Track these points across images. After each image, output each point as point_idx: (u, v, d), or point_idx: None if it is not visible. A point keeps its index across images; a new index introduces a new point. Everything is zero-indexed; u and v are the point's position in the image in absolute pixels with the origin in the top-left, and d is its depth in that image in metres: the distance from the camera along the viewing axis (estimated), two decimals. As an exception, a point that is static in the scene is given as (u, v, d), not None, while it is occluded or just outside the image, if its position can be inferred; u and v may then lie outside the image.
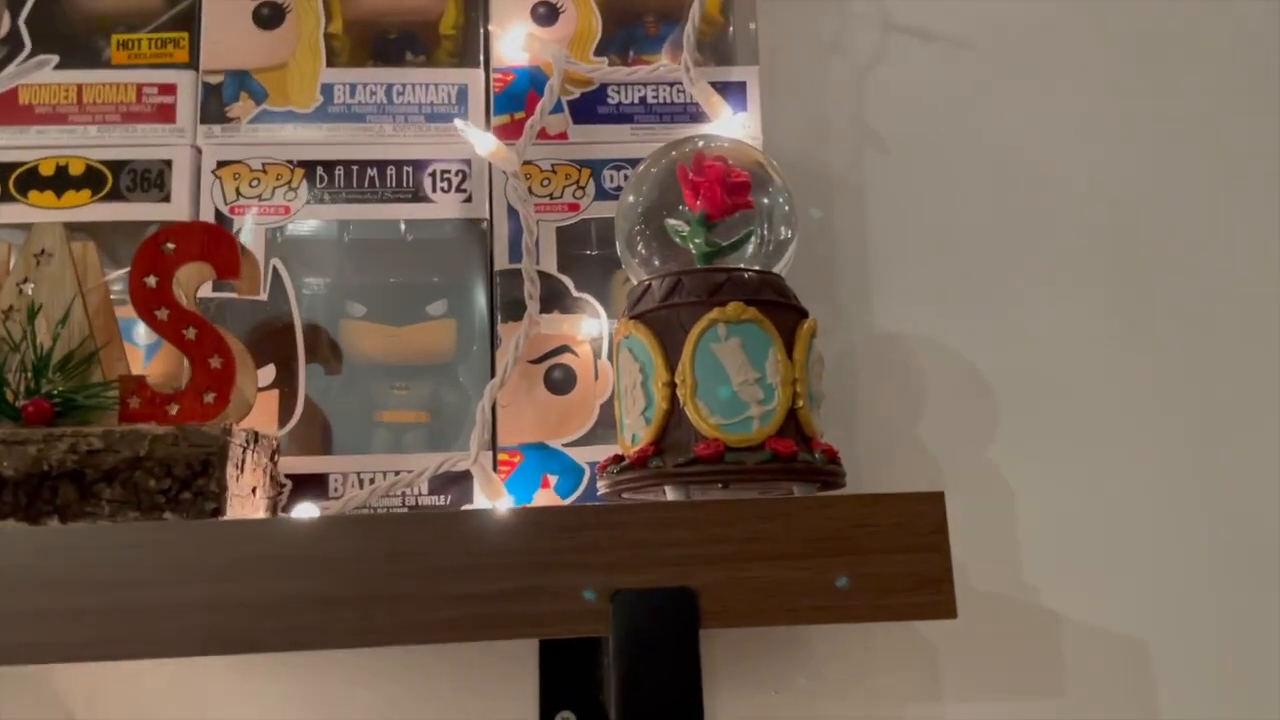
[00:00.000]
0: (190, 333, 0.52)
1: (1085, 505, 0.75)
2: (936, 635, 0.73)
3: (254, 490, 0.53)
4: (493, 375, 0.65)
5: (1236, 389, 0.77)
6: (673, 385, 0.52)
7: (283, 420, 0.64)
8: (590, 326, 0.67)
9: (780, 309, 0.54)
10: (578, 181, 0.69)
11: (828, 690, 0.72)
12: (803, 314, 0.55)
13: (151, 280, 0.52)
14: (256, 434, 0.54)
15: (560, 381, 0.67)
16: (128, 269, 0.56)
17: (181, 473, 0.48)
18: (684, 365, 0.52)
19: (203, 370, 0.52)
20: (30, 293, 0.52)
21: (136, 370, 0.61)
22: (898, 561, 0.47)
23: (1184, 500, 0.75)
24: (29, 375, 0.50)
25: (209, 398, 0.52)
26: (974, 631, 0.73)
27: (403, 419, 0.66)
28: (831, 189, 0.79)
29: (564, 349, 0.67)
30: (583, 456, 0.65)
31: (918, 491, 0.48)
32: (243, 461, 0.51)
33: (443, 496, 0.64)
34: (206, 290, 0.63)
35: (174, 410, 0.52)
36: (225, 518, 0.49)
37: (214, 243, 0.54)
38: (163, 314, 0.52)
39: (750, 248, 0.58)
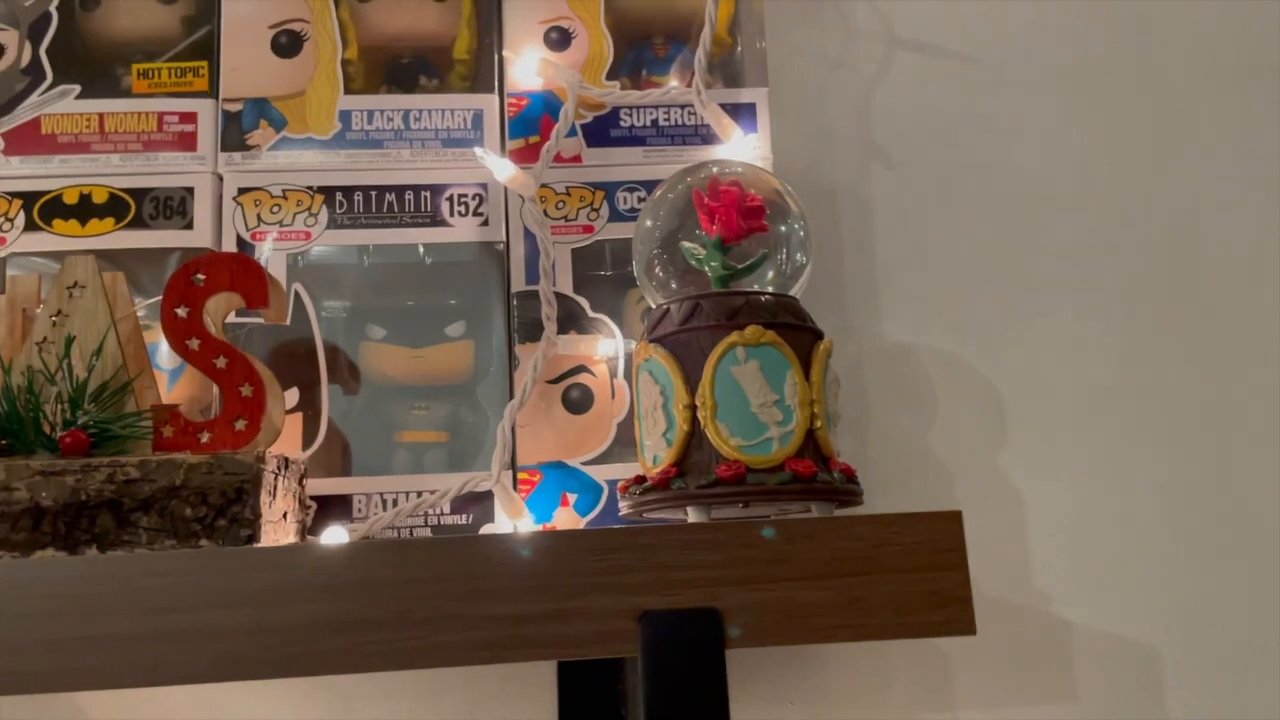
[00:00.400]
0: (221, 362, 0.53)
1: (1095, 513, 0.76)
2: (949, 644, 0.74)
3: (285, 515, 0.54)
4: (511, 396, 0.66)
5: (1242, 397, 0.79)
6: (693, 408, 0.53)
7: (306, 442, 0.65)
8: (606, 346, 0.68)
9: (797, 331, 0.55)
10: (592, 203, 0.70)
11: (843, 700, 0.73)
12: (818, 335, 0.56)
13: (182, 311, 0.54)
14: (287, 459, 0.55)
15: (578, 401, 0.68)
16: (155, 299, 0.57)
17: (216, 500, 0.49)
18: (704, 388, 0.53)
19: (234, 398, 0.53)
20: (63, 325, 0.53)
21: (161, 395, 0.62)
22: (918, 580, 0.48)
23: (1191, 507, 0.76)
24: (65, 406, 0.51)
25: (240, 425, 0.53)
26: (987, 639, 0.74)
27: (423, 439, 0.68)
28: (839, 204, 0.81)
29: (581, 369, 0.68)
30: (601, 474, 0.66)
31: (936, 511, 0.49)
32: (275, 487, 0.52)
33: (464, 516, 0.65)
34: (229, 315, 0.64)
35: (206, 438, 0.53)
36: (259, 544, 0.50)
37: (243, 273, 0.55)
38: (194, 344, 0.53)
39: (766, 270, 0.59)
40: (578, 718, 0.71)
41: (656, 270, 0.61)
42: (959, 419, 0.77)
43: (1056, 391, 0.78)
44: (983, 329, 0.79)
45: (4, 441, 0.50)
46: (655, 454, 0.55)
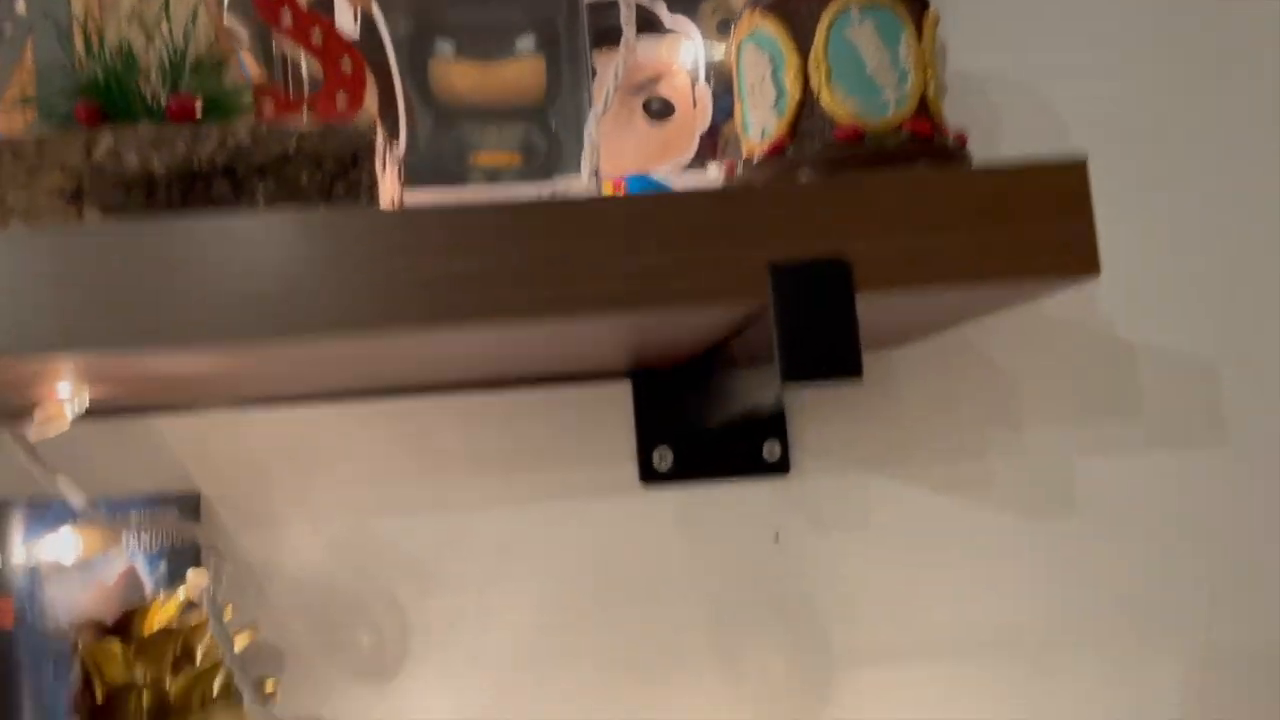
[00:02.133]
0: (316, 36, 0.52)
1: (1154, 237, 0.77)
2: (1014, 363, 0.75)
3: (391, 196, 0.53)
4: (589, 107, 0.65)
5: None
6: (805, 73, 0.52)
7: (385, 157, 0.64)
8: (687, 51, 0.66)
9: (906, -5, 0.53)
10: (663, -99, 0.67)
11: (911, 416, 0.75)
12: (925, 3, 0.55)
13: (272, -18, 0.51)
14: (389, 139, 0.54)
15: (659, 110, 0.66)
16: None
17: (332, 167, 0.48)
18: (817, 51, 0.52)
19: (334, 72, 0.51)
20: (149, -3, 0.51)
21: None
22: (1041, 228, 0.48)
23: (1255, 223, 0.77)
24: (165, 75, 0.49)
25: (342, 100, 0.51)
26: (1051, 359, 0.76)
27: (497, 160, 0.67)
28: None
29: (661, 78, 0.66)
30: (685, 184, 0.65)
31: (1060, 159, 0.49)
32: (384, 159, 0.51)
33: (551, 226, 0.64)
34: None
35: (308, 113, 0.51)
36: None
37: (332, -59, 0.52)
38: (287, 18, 0.51)
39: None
40: (655, 437, 0.72)
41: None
42: (1025, 146, 0.77)
43: (1120, 118, 0.78)
44: (1045, 49, 0.78)
45: (104, 112, 0.48)
46: (764, 127, 0.54)
